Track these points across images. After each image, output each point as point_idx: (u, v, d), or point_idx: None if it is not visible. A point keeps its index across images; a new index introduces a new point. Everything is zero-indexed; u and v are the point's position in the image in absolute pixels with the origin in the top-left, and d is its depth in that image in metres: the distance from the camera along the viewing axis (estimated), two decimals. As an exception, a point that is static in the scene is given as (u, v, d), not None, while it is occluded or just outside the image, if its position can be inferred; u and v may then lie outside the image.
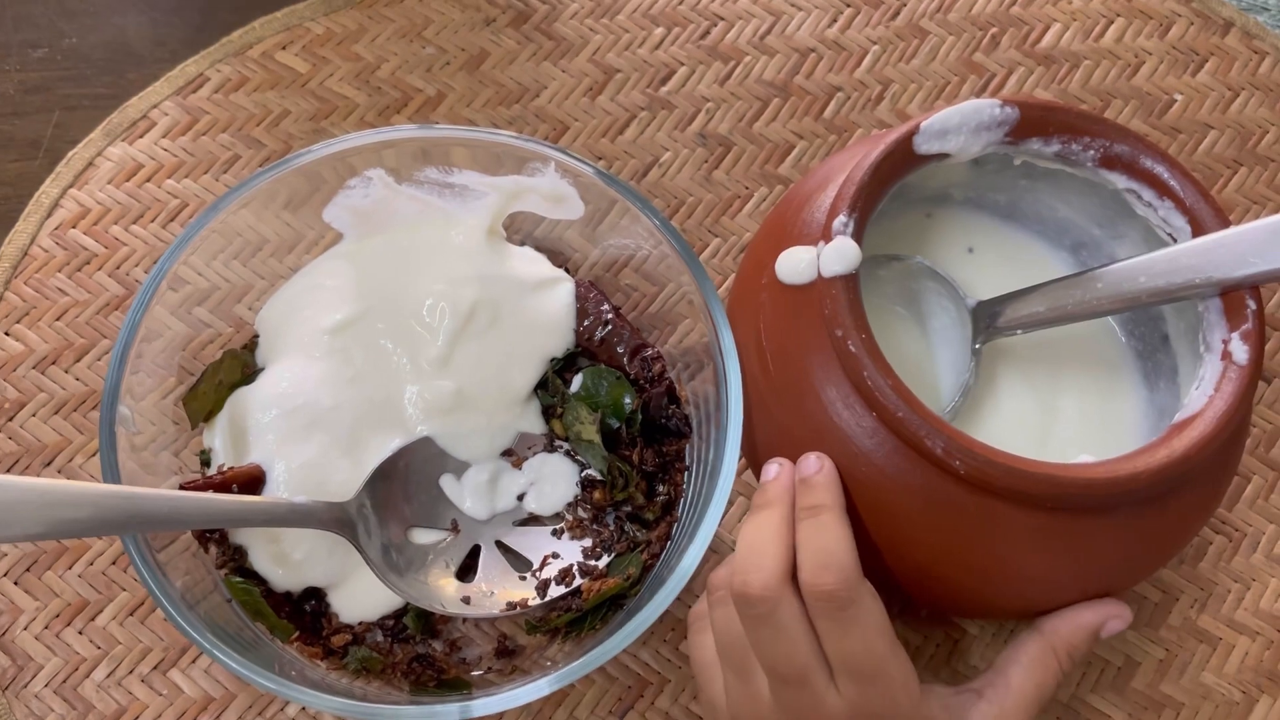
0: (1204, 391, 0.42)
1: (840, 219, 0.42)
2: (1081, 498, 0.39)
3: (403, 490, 0.47)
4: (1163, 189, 0.45)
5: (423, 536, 0.48)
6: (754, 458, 0.47)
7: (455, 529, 0.48)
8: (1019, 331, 0.47)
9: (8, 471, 0.52)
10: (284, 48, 0.62)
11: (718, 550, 0.52)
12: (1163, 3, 0.66)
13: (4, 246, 0.56)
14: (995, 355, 0.50)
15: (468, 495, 0.48)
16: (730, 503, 0.53)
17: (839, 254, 0.41)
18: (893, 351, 0.49)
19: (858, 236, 0.42)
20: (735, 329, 0.46)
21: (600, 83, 0.62)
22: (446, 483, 0.49)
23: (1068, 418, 0.49)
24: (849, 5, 0.65)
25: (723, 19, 0.64)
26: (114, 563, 0.51)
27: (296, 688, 0.40)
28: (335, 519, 0.45)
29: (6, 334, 0.55)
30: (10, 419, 0.53)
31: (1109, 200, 0.48)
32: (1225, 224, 0.44)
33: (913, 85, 0.63)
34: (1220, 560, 0.53)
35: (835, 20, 0.65)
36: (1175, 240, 0.45)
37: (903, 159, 0.44)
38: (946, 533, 0.41)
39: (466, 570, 0.48)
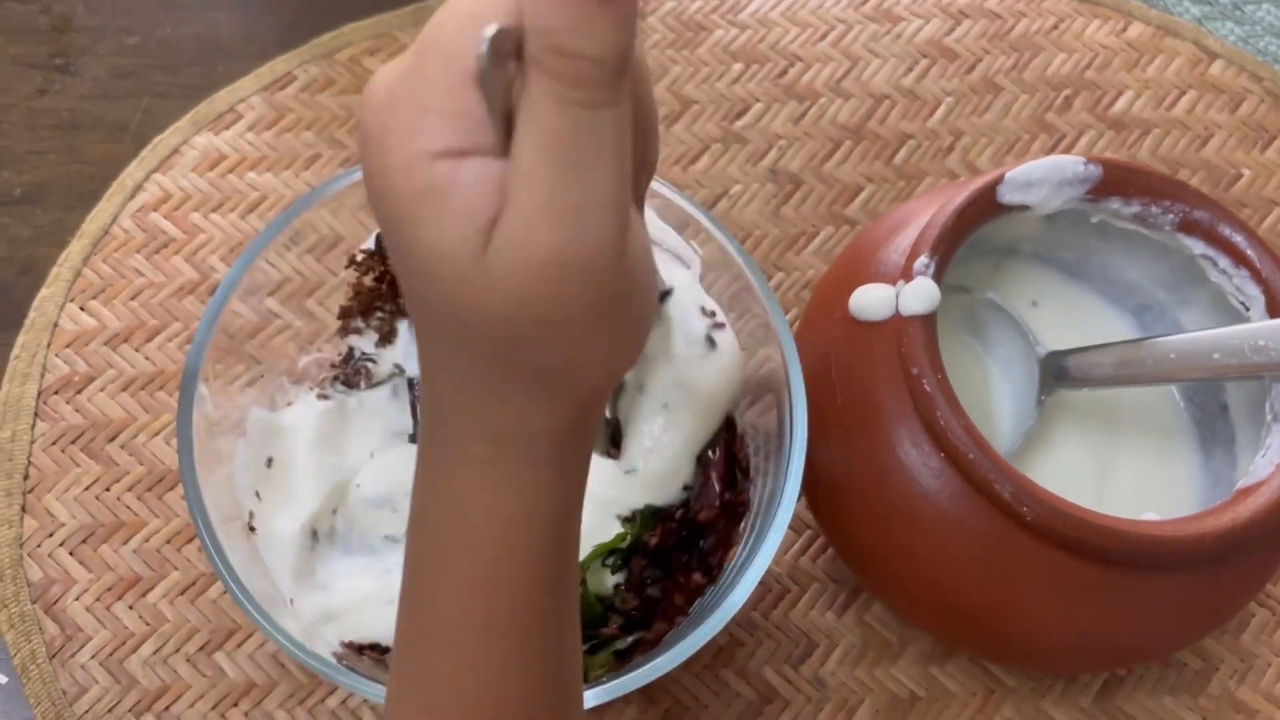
0: (1271, 460, 0.42)
1: (922, 259, 0.43)
2: (1145, 554, 0.39)
3: None
4: (1240, 258, 0.45)
5: None
6: (812, 492, 0.48)
7: None
8: (1084, 389, 0.48)
9: (72, 443, 0.53)
10: (371, 54, 0.64)
11: (764, 583, 0.52)
12: (1235, 79, 0.66)
13: (86, 224, 0.58)
14: (1053, 406, 0.50)
15: None
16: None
17: (919, 294, 0.42)
18: (958, 383, 0.49)
19: (937, 278, 0.43)
20: (805, 361, 0.47)
21: (677, 112, 0.64)
22: None
23: (1121, 476, 0.50)
24: (925, 56, 0.66)
25: (801, 59, 0.66)
26: (169, 541, 0.51)
27: (347, 673, 0.41)
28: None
29: (82, 309, 0.56)
30: (79, 392, 0.54)
31: (1179, 265, 0.49)
32: (1300, 297, 0.45)
33: (983, 139, 0.64)
34: (1263, 633, 0.53)
35: (911, 70, 0.66)
36: (1248, 309, 0.46)
37: (985, 206, 0.45)
38: (1003, 578, 0.42)
39: None
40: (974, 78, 0.66)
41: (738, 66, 0.65)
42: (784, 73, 0.65)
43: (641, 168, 0.26)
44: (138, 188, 0.59)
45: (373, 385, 0.52)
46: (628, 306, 0.24)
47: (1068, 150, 0.64)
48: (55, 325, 0.55)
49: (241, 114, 0.61)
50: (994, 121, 0.64)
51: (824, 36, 0.66)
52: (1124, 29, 0.68)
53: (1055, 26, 0.67)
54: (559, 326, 0.23)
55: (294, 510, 0.48)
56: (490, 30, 0.22)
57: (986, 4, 0.68)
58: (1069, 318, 0.54)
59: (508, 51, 0.22)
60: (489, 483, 0.26)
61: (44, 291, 0.56)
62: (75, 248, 0.57)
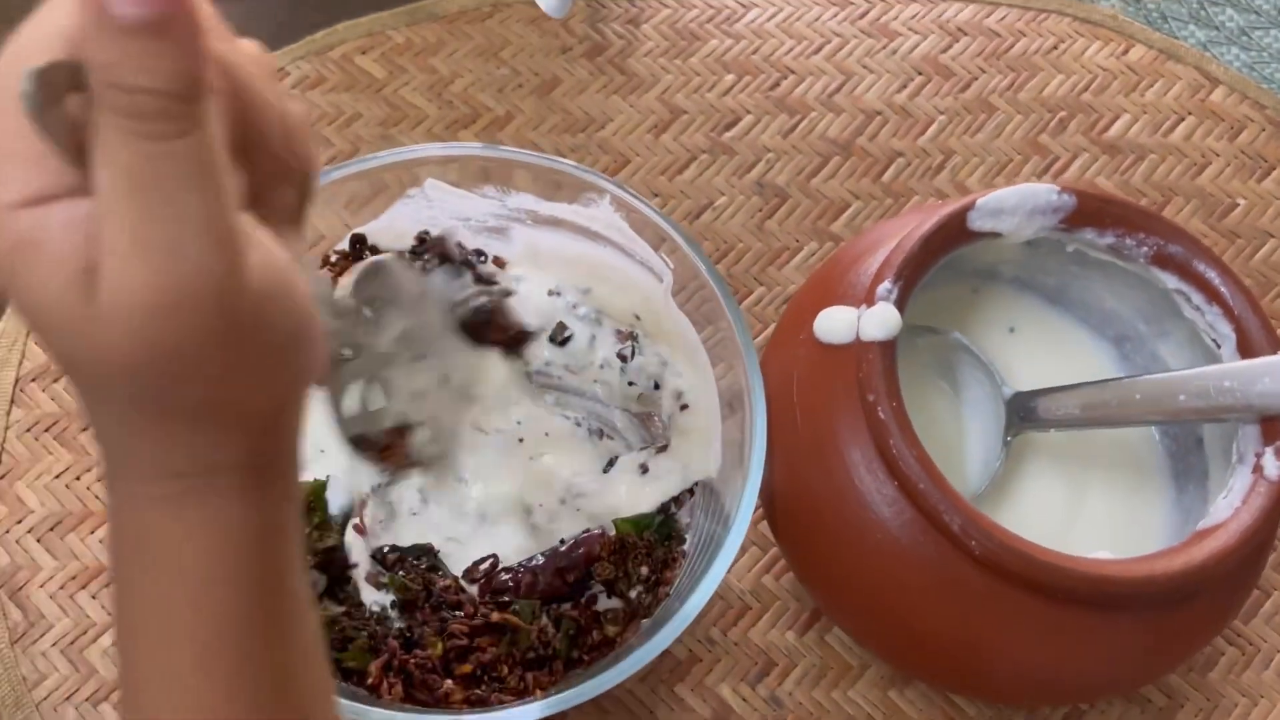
0: (1231, 502, 0.41)
1: (885, 285, 0.43)
2: (1093, 594, 0.39)
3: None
4: (1212, 294, 0.45)
5: None
6: (771, 510, 0.47)
7: None
8: (1051, 430, 0.47)
9: (45, 431, 0.54)
10: (364, 53, 0.64)
11: (724, 598, 0.52)
12: (1236, 107, 0.65)
13: (71, 213, 0.58)
14: (1027, 440, 0.50)
15: None
16: (743, 550, 0.53)
17: (879, 320, 0.42)
18: (925, 422, 0.49)
19: (900, 305, 0.43)
20: (768, 379, 0.47)
21: (665, 121, 0.63)
22: None
23: (1094, 509, 0.49)
24: (920, 73, 0.66)
25: (794, 72, 0.65)
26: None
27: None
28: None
29: (62, 297, 0.56)
30: (55, 380, 0.54)
31: (1158, 298, 0.48)
32: (1272, 336, 0.44)
33: (974, 159, 0.63)
34: (1230, 672, 0.52)
35: (905, 86, 0.65)
36: (1219, 347, 0.45)
37: (955, 233, 0.45)
38: (955, 610, 0.41)
39: None
40: (968, 96, 0.65)
41: (730, 77, 0.65)
42: (776, 85, 0.65)
43: (284, 179, 0.25)
44: (124, 179, 0.59)
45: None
46: (261, 329, 0.23)
47: (1060, 173, 0.63)
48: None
49: (231, 108, 0.62)
50: (986, 142, 0.64)
51: (818, 50, 0.66)
52: (1125, 52, 0.67)
53: (1055, 47, 0.67)
54: (185, 363, 0.22)
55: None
56: (33, 67, 0.21)
57: (985, 22, 0.67)
58: (1046, 345, 0.53)
59: (61, 86, 0.21)
60: (178, 520, 0.25)
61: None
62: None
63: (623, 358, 0.52)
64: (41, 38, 0.21)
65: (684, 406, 0.52)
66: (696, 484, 0.50)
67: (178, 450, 0.25)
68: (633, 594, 0.47)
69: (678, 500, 0.50)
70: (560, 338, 0.52)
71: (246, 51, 0.25)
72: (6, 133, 0.22)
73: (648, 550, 0.48)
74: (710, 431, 0.50)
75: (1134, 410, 0.45)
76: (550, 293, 0.53)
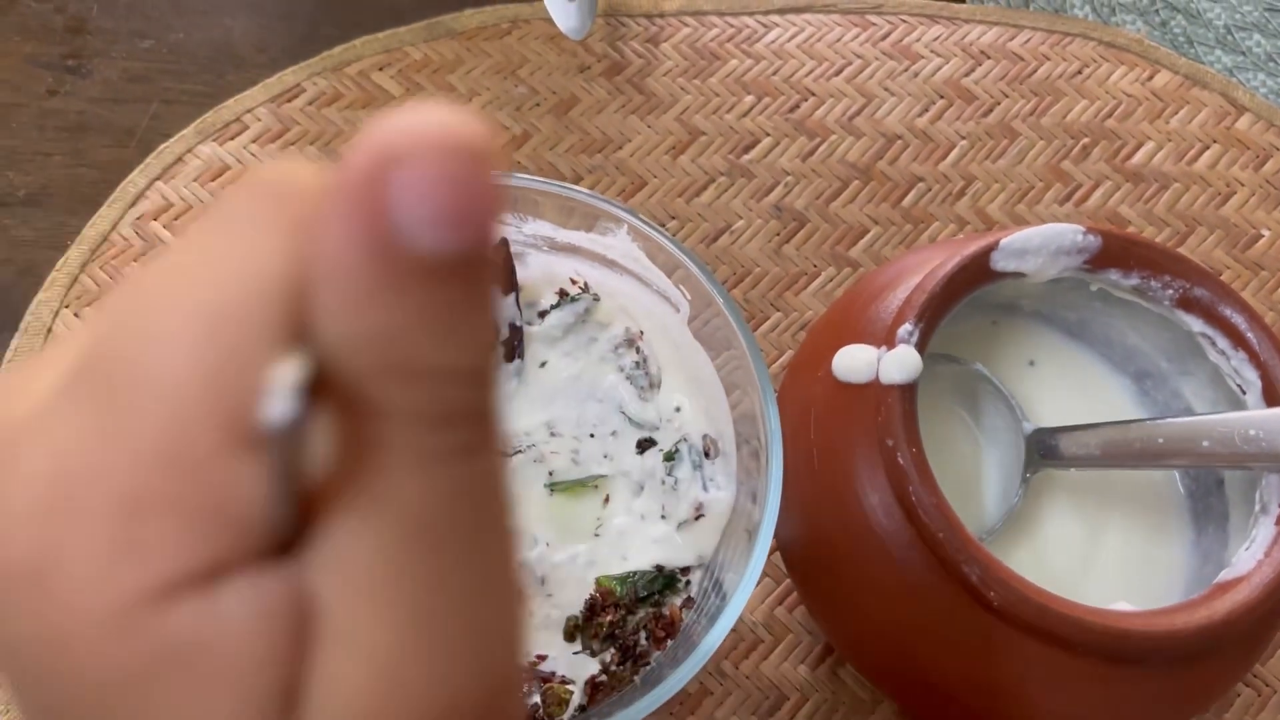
0: (1254, 554, 0.41)
1: (906, 327, 0.42)
2: (1112, 647, 0.38)
3: None
4: (1238, 339, 0.44)
5: None
6: (785, 546, 0.47)
7: None
8: (1071, 469, 0.47)
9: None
10: (381, 69, 0.63)
11: (737, 631, 0.52)
12: (1262, 135, 0.65)
13: (85, 230, 0.58)
14: (1045, 476, 0.49)
15: None
16: (758, 583, 0.53)
17: (900, 363, 0.41)
18: (943, 452, 0.49)
19: (921, 346, 0.42)
20: (786, 413, 0.46)
21: (684, 143, 0.63)
22: None
23: (1112, 548, 0.49)
24: (942, 97, 0.65)
25: (814, 94, 0.65)
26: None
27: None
28: None
29: (77, 315, 0.56)
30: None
31: (1182, 338, 0.48)
32: (1298, 383, 0.43)
33: (996, 185, 0.63)
34: (1246, 714, 0.52)
35: (926, 110, 0.64)
36: (1244, 393, 0.44)
37: (978, 273, 0.44)
38: (971, 658, 0.41)
39: None
40: (990, 121, 0.64)
41: (749, 99, 0.64)
42: (795, 107, 0.64)
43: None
44: (139, 195, 0.59)
45: None
46: None
47: (1082, 201, 0.62)
48: (50, 331, 0.55)
49: (247, 125, 0.61)
50: (1008, 167, 0.63)
51: (839, 72, 0.65)
52: (1150, 78, 0.66)
53: (1079, 72, 0.66)
54: None
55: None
56: (291, 369, 0.12)
57: (1009, 45, 0.66)
58: (1067, 379, 0.52)
59: (308, 397, 0.12)
60: None
61: (40, 296, 0.56)
62: (73, 253, 0.57)
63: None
64: (231, 297, 0.12)
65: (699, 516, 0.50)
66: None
67: None
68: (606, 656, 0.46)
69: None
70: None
71: None
72: (158, 460, 0.12)
73: (628, 608, 0.46)
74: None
75: (1156, 453, 0.44)
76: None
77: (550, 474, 0.50)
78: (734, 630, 0.52)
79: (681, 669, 0.42)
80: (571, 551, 0.47)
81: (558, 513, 0.49)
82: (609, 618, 0.46)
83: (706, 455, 0.50)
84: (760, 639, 0.52)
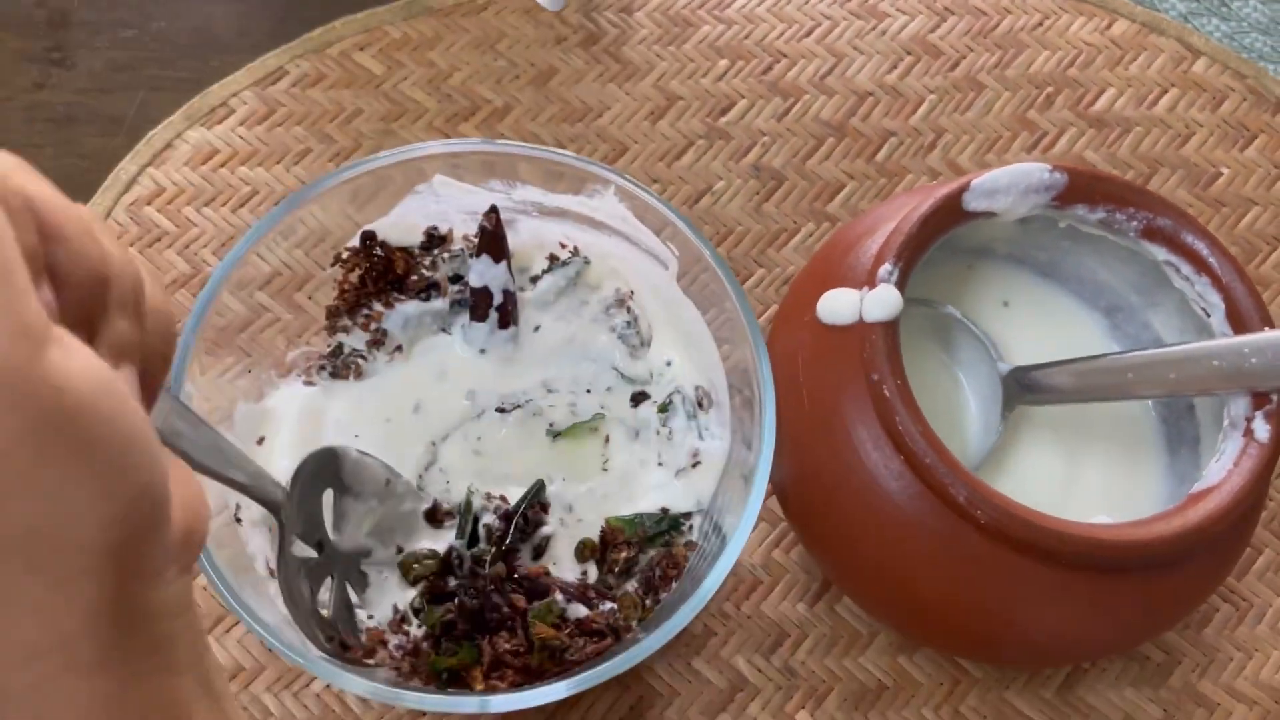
0: (1223, 465, 0.43)
1: (886, 267, 0.44)
2: (1095, 558, 0.41)
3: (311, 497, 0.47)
4: (1201, 265, 0.46)
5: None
6: (781, 488, 0.49)
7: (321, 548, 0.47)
8: (1046, 404, 0.49)
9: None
10: (362, 49, 0.65)
11: (736, 573, 0.54)
12: (1217, 77, 0.67)
13: (81, 217, 0.59)
14: (1023, 409, 0.51)
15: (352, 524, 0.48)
16: (754, 527, 0.55)
17: (881, 301, 0.43)
18: (925, 394, 0.50)
19: (901, 285, 0.44)
20: (774, 360, 0.48)
21: (662, 108, 0.64)
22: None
23: (1090, 477, 0.51)
24: (909, 54, 0.67)
25: (786, 56, 0.66)
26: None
27: (328, 666, 0.42)
28: (270, 498, 0.43)
29: (77, 301, 0.57)
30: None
31: (1148, 270, 0.50)
32: (1259, 304, 0.45)
33: (965, 136, 0.65)
34: (1225, 628, 0.54)
35: (895, 67, 0.66)
36: (1209, 316, 0.46)
37: (950, 214, 0.46)
38: (962, 577, 0.43)
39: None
40: (957, 75, 0.66)
41: (723, 63, 0.66)
42: (769, 69, 0.66)
43: (112, 313, 0.23)
44: (131, 181, 0.60)
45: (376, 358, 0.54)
46: (81, 437, 0.19)
47: (1048, 148, 0.65)
48: (51, 317, 0.57)
49: (234, 108, 0.62)
50: (976, 119, 0.65)
51: (809, 33, 0.67)
52: (1108, 26, 0.68)
53: (1040, 24, 0.68)
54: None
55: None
56: None
57: (972, 1, 0.68)
58: (1040, 318, 0.55)
59: None
60: (45, 712, 0.21)
61: (40, 284, 0.57)
62: (71, 241, 0.58)
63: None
64: None
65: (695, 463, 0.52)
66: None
67: (23, 615, 0.20)
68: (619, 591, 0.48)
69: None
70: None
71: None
72: None
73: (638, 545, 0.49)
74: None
75: (1127, 386, 0.46)
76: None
77: (550, 425, 0.52)
78: (734, 573, 0.54)
79: (684, 608, 0.44)
80: (588, 485, 0.50)
81: (565, 455, 0.51)
82: (623, 554, 0.48)
83: (700, 406, 0.52)
84: (760, 580, 0.54)
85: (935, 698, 0.52)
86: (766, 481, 0.46)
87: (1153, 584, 0.43)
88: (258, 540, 0.49)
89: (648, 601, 0.47)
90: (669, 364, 0.54)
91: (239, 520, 0.49)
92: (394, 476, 0.49)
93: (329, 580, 0.47)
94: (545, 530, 0.50)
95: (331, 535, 0.48)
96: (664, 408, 0.52)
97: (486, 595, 0.47)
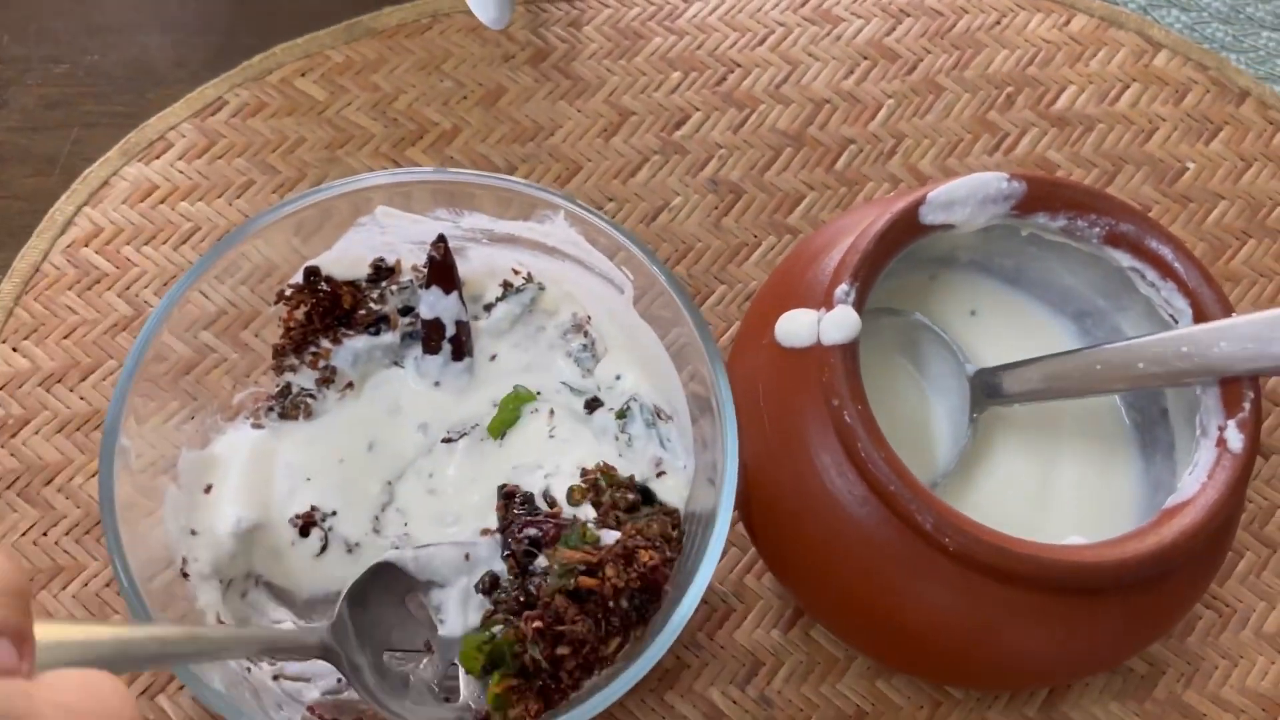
0: (1197, 478, 0.42)
1: (842, 287, 0.43)
2: (1069, 580, 0.39)
3: (374, 614, 0.46)
4: (1166, 270, 0.45)
5: (401, 659, 0.47)
6: (748, 514, 0.47)
7: (429, 649, 0.47)
8: (1016, 404, 0.47)
9: (8, 488, 0.53)
10: (303, 74, 0.63)
11: (708, 602, 0.52)
12: (1179, 70, 0.66)
13: (16, 262, 0.57)
14: (995, 418, 0.50)
15: (444, 614, 0.47)
16: (723, 552, 0.53)
17: (839, 323, 0.42)
18: (891, 403, 0.49)
19: (859, 305, 0.43)
20: (735, 384, 0.46)
21: (615, 124, 0.63)
22: (413, 604, 0.48)
23: (1065, 485, 0.50)
24: (866, 58, 0.65)
25: (740, 65, 0.65)
26: (108, 584, 0.51)
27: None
28: (320, 644, 0.44)
29: (14, 350, 0.55)
30: (13, 435, 0.54)
31: (1114, 274, 0.49)
32: (1227, 308, 0.44)
33: (925, 141, 0.63)
34: (1209, 635, 0.53)
35: (851, 72, 0.65)
36: (1176, 321, 0.45)
37: (908, 229, 0.45)
38: (934, 604, 0.42)
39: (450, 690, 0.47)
40: (915, 78, 0.65)
41: (676, 75, 0.64)
42: (723, 80, 0.64)
43: None
44: (68, 223, 0.58)
45: (328, 390, 0.53)
46: None
47: (1010, 149, 0.63)
48: (-12, 367, 0.55)
49: (172, 142, 0.60)
50: (935, 122, 0.64)
51: (763, 41, 0.66)
52: (1067, 22, 0.67)
53: (997, 22, 0.67)
54: None
55: (214, 550, 0.48)
56: None
57: (927, 1, 0.67)
58: (1008, 326, 0.53)
59: None
60: None
61: (-25, 333, 0.55)
62: (6, 287, 0.56)
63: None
64: None
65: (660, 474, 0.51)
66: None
67: None
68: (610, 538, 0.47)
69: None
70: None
71: None
72: None
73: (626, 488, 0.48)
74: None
75: (1095, 379, 0.45)
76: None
77: (494, 402, 0.53)
78: (706, 602, 0.53)
79: (658, 640, 0.42)
80: (545, 467, 0.50)
81: (516, 450, 0.51)
82: (606, 496, 0.48)
83: (659, 416, 0.51)
84: (732, 608, 0.53)
85: (916, 722, 0.51)
86: (731, 509, 0.44)
87: (1131, 602, 0.42)
88: (208, 594, 0.48)
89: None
90: (618, 378, 0.52)
91: (185, 575, 0.47)
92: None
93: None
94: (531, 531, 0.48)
95: (441, 632, 0.47)
96: (622, 414, 0.51)
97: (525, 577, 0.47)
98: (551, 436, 0.51)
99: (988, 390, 0.48)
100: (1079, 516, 0.48)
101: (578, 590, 0.44)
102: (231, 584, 0.49)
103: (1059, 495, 0.50)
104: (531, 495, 0.49)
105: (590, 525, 0.47)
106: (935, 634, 0.42)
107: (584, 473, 0.49)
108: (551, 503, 0.49)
